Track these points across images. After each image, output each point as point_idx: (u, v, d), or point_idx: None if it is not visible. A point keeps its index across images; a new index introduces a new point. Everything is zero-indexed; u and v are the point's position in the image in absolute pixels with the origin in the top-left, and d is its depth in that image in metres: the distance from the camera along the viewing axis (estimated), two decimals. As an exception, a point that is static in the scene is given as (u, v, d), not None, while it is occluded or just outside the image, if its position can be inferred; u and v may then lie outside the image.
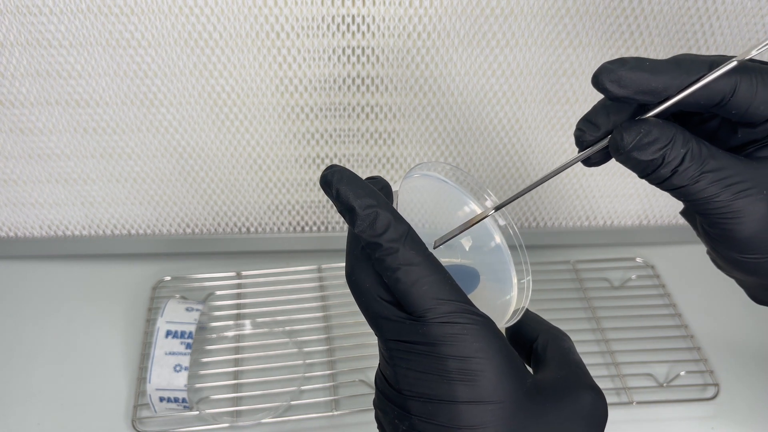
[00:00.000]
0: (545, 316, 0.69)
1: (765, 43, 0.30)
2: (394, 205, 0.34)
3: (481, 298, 0.37)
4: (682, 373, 0.66)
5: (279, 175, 0.71)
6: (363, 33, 0.61)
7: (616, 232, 0.78)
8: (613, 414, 0.63)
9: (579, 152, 0.34)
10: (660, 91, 0.31)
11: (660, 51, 0.63)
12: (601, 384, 0.65)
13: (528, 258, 0.38)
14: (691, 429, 0.63)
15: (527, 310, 0.37)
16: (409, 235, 0.31)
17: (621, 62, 0.31)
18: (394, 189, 0.35)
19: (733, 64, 0.30)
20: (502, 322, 0.36)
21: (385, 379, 0.33)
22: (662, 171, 0.32)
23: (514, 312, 0.37)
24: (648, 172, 0.32)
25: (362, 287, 0.32)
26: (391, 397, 0.32)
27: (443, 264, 0.35)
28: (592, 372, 0.66)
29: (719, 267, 0.38)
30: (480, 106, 0.67)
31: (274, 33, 0.61)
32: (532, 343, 0.37)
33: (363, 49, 0.62)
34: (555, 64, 0.64)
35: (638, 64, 0.30)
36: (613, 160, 0.34)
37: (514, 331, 0.37)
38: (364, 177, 0.34)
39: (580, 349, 0.68)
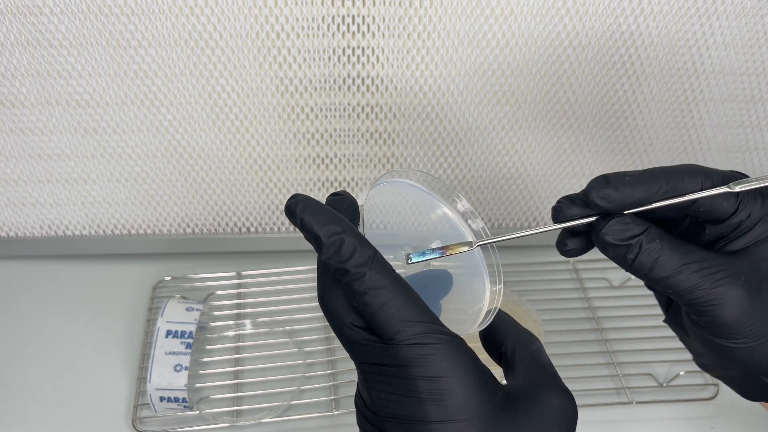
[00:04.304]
0: (546, 317, 0.69)
1: (759, 182, 0.34)
2: (360, 221, 0.35)
3: (454, 302, 0.37)
4: (682, 372, 0.66)
5: (279, 175, 0.71)
6: (363, 33, 0.61)
7: (615, 232, 0.78)
8: (613, 413, 0.63)
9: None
10: (640, 203, 0.34)
11: (660, 51, 0.63)
12: (601, 384, 0.65)
13: (500, 260, 0.39)
14: (691, 429, 0.63)
15: (501, 312, 0.37)
16: (375, 258, 0.31)
17: (605, 180, 0.34)
18: (360, 203, 0.36)
19: (721, 191, 0.34)
20: (476, 325, 0.37)
21: (362, 400, 0.34)
22: (643, 259, 0.34)
23: (487, 313, 0.37)
24: (629, 261, 0.35)
25: (333, 312, 0.33)
26: (369, 418, 0.33)
27: (416, 272, 0.36)
28: (593, 372, 0.67)
29: (709, 369, 0.41)
30: (480, 106, 0.67)
31: (274, 33, 0.61)
32: (502, 346, 0.37)
33: (363, 49, 0.62)
34: (555, 64, 0.64)
35: (619, 179, 0.34)
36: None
37: (486, 335, 0.38)
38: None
39: (580, 349, 0.68)
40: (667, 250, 0.34)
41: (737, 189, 0.34)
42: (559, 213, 0.36)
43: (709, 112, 0.69)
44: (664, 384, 0.65)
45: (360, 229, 0.34)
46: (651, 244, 0.34)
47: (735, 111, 0.69)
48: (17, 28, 0.59)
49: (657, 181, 0.34)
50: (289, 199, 0.33)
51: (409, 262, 0.36)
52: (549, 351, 0.37)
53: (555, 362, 0.37)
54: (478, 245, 0.37)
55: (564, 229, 0.38)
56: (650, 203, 0.34)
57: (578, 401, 0.34)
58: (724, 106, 0.68)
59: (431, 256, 0.35)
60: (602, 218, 0.35)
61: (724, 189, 0.34)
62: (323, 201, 0.34)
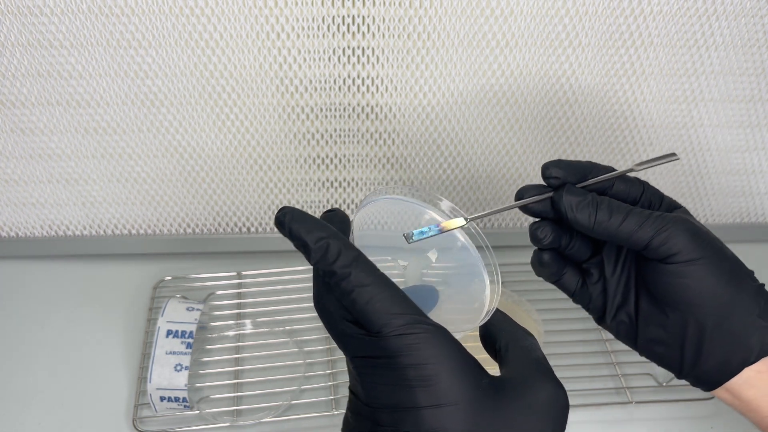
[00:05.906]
0: (546, 317, 0.70)
1: (653, 163, 0.44)
2: (351, 234, 0.37)
3: (454, 302, 0.39)
4: (682, 372, 0.66)
5: (279, 175, 0.71)
6: (363, 33, 0.61)
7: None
8: (613, 413, 0.64)
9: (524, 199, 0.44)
10: (581, 178, 0.43)
11: (660, 51, 0.63)
12: (601, 384, 0.66)
13: (496, 260, 0.41)
14: (691, 428, 0.63)
15: (497, 310, 0.39)
16: (359, 259, 0.34)
17: (554, 160, 0.43)
18: (351, 219, 0.38)
19: (627, 170, 0.44)
20: (476, 323, 0.38)
21: (356, 396, 0.35)
22: (602, 211, 0.41)
23: (486, 313, 0.39)
24: (593, 216, 0.41)
25: (327, 312, 0.35)
26: (363, 412, 0.34)
27: (408, 288, 0.39)
28: (593, 372, 0.67)
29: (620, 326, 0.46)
30: (479, 106, 0.67)
31: (274, 33, 0.61)
32: (496, 343, 0.38)
33: (363, 49, 0.62)
34: (555, 64, 0.64)
35: (567, 162, 0.44)
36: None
37: (482, 333, 0.39)
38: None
39: (580, 349, 0.68)
40: (614, 201, 0.42)
41: (639, 168, 0.43)
42: (524, 193, 0.44)
43: (709, 112, 0.69)
44: (664, 384, 0.66)
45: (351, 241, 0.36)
46: (601, 198, 0.42)
47: (735, 111, 0.69)
48: (17, 28, 0.59)
49: (586, 165, 0.44)
50: (278, 212, 0.35)
51: (410, 240, 0.38)
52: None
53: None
54: (471, 219, 0.41)
55: (534, 219, 0.45)
56: (585, 180, 0.43)
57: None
58: (724, 106, 0.69)
59: (430, 234, 0.39)
60: (557, 191, 0.42)
61: (629, 168, 0.43)
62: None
